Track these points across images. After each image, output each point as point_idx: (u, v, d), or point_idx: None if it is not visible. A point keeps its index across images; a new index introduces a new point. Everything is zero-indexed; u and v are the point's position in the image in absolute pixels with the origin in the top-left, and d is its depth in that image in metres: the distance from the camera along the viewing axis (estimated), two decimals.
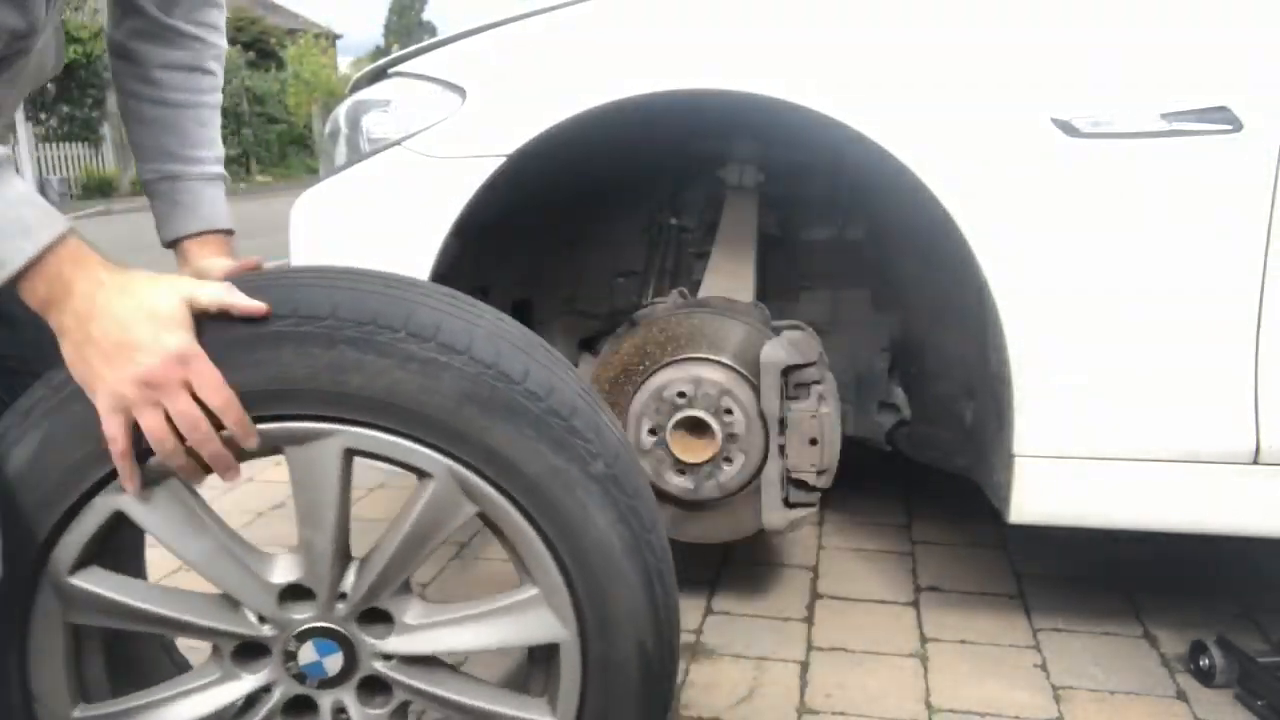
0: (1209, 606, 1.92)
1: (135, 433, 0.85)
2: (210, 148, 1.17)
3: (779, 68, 1.54)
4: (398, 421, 0.90)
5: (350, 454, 0.92)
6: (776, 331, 1.74)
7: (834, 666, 1.74)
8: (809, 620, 1.91)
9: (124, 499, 0.90)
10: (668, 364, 1.74)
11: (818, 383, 1.67)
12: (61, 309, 0.83)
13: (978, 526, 2.25)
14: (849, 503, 2.42)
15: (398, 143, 1.69)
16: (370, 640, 0.98)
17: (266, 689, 0.99)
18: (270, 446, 0.91)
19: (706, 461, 1.70)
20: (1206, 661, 1.65)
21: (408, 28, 53.81)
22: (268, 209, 7.35)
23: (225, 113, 1.29)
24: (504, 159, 1.62)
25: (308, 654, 0.97)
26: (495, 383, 0.90)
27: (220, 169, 1.18)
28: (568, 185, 1.98)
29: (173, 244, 1.15)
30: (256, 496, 2.58)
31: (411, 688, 0.99)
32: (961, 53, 1.50)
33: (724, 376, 1.70)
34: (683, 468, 1.72)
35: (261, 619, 0.96)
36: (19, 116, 15.11)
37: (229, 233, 1.17)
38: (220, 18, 1.18)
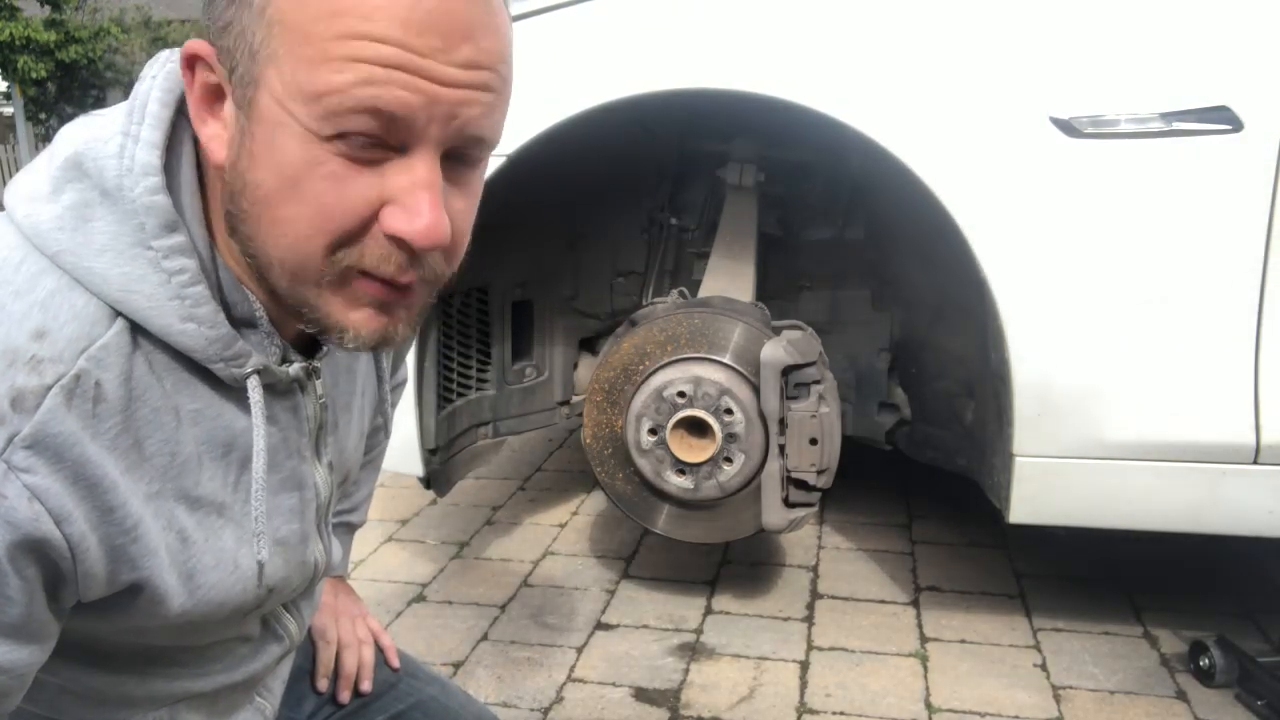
0: (1209, 606, 1.92)
1: None
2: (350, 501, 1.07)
3: (779, 67, 1.54)
4: None
5: None
6: (776, 331, 1.73)
7: (834, 666, 1.74)
8: (809, 620, 1.91)
9: None
10: (668, 364, 1.74)
11: (818, 383, 1.67)
12: None
13: (978, 526, 2.25)
14: (849, 503, 2.42)
15: None
16: None
17: None
18: None
19: (706, 461, 1.70)
20: (1206, 661, 1.65)
21: None
22: None
23: None
24: (503, 159, 1.62)
25: None
26: None
27: (353, 518, 1.08)
28: (567, 185, 1.98)
29: None
30: None
31: None
32: (961, 52, 1.50)
33: (724, 376, 1.70)
34: (683, 468, 1.72)
35: None
36: (19, 116, 15.12)
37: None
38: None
